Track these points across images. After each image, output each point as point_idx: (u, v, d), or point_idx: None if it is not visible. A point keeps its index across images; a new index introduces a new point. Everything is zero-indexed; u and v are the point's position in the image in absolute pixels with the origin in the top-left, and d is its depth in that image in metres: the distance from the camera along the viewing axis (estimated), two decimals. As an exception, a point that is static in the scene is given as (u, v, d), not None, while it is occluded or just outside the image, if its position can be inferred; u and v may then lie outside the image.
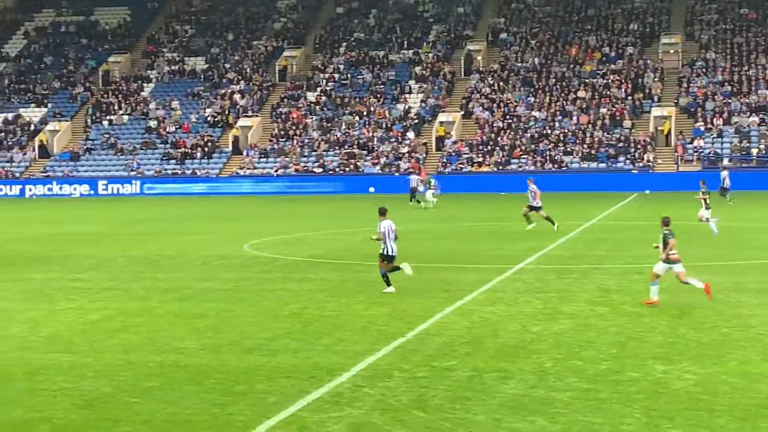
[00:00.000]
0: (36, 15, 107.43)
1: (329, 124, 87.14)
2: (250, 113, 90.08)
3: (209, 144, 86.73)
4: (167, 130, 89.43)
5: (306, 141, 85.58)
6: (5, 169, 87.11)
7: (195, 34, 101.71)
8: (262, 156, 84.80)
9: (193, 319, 22.24)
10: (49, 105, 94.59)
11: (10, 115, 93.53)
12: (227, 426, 13.97)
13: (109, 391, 15.96)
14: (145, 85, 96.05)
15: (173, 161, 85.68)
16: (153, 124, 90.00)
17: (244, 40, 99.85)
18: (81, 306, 24.29)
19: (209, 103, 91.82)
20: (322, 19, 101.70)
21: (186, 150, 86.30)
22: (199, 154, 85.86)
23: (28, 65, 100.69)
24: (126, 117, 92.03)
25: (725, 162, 74.85)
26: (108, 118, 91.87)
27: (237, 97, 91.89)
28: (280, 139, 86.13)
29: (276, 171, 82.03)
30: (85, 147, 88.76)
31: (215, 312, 23.08)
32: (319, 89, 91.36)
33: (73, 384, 16.40)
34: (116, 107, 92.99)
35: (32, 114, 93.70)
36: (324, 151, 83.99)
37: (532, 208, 42.75)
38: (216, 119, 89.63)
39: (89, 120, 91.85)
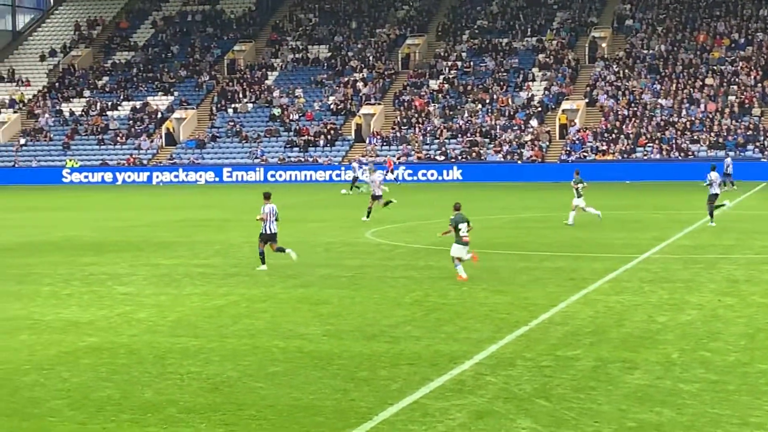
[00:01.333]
0: (163, 4, 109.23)
1: (452, 112, 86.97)
2: (372, 101, 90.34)
3: (332, 132, 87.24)
4: (291, 118, 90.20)
5: (428, 129, 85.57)
6: (133, 156, 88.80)
7: (319, 22, 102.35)
8: (385, 144, 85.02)
9: (316, 305, 22.42)
10: (176, 93, 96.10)
11: (138, 103, 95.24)
12: (351, 411, 14.04)
13: (234, 375, 16.18)
14: (269, 73, 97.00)
15: (296, 149, 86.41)
16: (277, 112, 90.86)
17: (367, 28, 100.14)
18: (206, 291, 24.66)
19: (332, 91, 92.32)
20: (444, 6, 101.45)
21: (309, 138, 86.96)
22: (322, 142, 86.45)
23: (156, 54, 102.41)
24: (250, 105, 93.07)
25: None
26: (233, 106, 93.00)
27: (360, 85, 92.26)
28: (402, 127, 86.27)
29: (398, 159, 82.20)
30: (210, 135, 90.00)
31: (338, 298, 23.22)
32: (441, 77, 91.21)
33: (199, 368, 16.66)
34: (241, 95, 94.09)
35: (159, 102, 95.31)
36: (446, 138, 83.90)
37: (375, 197, 43.37)
38: (339, 107, 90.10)
39: (214, 108, 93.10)
